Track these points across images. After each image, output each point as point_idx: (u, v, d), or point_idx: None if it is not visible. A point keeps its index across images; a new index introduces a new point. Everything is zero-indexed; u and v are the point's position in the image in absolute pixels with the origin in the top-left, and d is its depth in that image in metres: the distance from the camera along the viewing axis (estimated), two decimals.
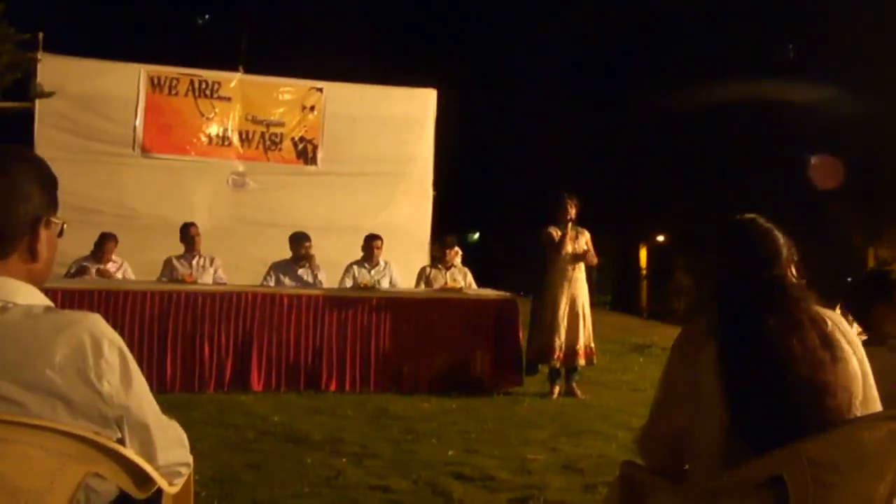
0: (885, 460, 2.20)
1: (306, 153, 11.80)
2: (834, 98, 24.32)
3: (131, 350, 1.92)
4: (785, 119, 26.85)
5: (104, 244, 9.39)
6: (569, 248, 9.02)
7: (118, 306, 8.22)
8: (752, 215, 2.64)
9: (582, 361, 9.01)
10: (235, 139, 11.55)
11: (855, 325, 3.42)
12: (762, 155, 28.94)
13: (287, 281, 9.47)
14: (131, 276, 9.50)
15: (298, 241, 9.62)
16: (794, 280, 2.48)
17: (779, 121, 27.24)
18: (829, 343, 2.31)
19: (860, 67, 24.02)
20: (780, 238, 2.55)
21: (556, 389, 8.95)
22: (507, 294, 9.47)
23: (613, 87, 32.99)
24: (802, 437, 2.12)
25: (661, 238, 36.38)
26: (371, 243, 9.80)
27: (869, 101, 23.59)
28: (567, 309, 8.96)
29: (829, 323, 2.37)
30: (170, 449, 1.99)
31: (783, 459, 2.08)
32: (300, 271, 9.58)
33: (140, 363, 1.94)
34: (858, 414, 2.29)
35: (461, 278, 10.03)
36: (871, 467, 2.18)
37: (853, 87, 23.87)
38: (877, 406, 2.37)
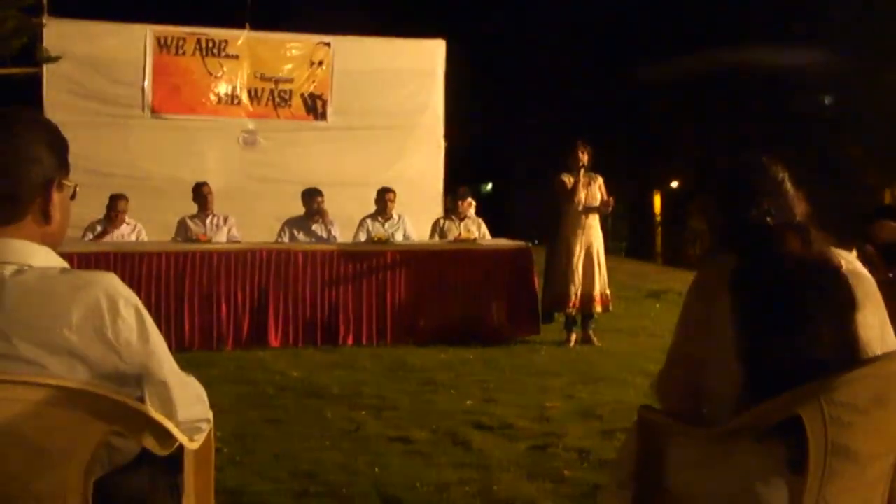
0: None
1: (316, 109, 11.76)
2: (849, 43, 24.10)
3: (149, 311, 1.92)
4: (799, 63, 26.60)
5: (115, 204, 9.38)
6: (582, 194, 8.98)
7: (134, 268, 8.25)
8: (756, 154, 2.60)
9: (598, 308, 9.01)
10: (245, 97, 11.51)
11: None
12: (777, 98, 28.72)
13: (301, 237, 9.49)
14: (145, 237, 9.52)
15: (311, 196, 9.62)
16: (808, 223, 2.46)
17: (793, 65, 26.98)
18: (847, 291, 2.29)
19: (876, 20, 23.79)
20: (788, 179, 2.52)
21: (573, 337, 8.97)
22: (522, 243, 9.46)
23: (627, 34, 32.69)
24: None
25: (675, 184, 36.23)
26: (384, 196, 9.79)
27: (884, 42, 23.38)
28: (582, 256, 8.94)
29: (846, 265, 2.35)
30: (189, 405, 2.00)
31: (801, 399, 2.08)
32: (314, 227, 9.58)
33: (158, 323, 1.95)
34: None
35: (475, 229, 10.01)
36: (891, 406, 2.17)
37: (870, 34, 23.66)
38: (893, 345, 2.35)
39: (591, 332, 9.05)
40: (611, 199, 9.07)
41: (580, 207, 8.97)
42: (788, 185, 2.52)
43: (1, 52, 10.59)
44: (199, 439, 2.10)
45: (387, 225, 9.72)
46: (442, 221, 10.20)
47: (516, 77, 33.56)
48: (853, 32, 24.32)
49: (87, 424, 1.72)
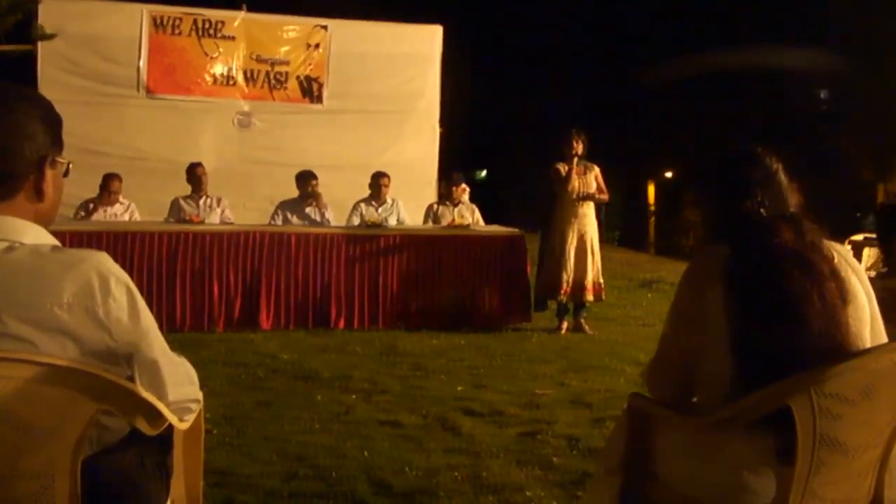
0: (893, 391, 2.20)
1: (312, 92, 11.70)
2: (844, 35, 24.10)
3: (140, 291, 1.92)
4: (796, 57, 26.60)
5: (109, 184, 9.36)
6: (576, 183, 8.99)
7: (126, 248, 8.23)
8: (750, 145, 2.59)
9: (590, 297, 9.02)
10: (240, 78, 11.45)
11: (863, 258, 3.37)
12: (772, 91, 28.72)
13: (294, 220, 9.48)
14: (138, 217, 9.50)
15: (305, 179, 9.60)
16: (801, 214, 2.45)
17: (790, 59, 26.99)
18: (841, 284, 2.28)
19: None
20: (781, 170, 2.52)
21: (565, 325, 8.99)
22: (515, 230, 9.47)
23: (625, 24, 32.64)
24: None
25: (668, 174, 36.28)
26: (378, 181, 9.77)
27: (881, 38, 23.39)
28: (575, 244, 8.94)
29: (838, 258, 2.35)
30: (180, 385, 2.00)
31: (791, 390, 2.09)
32: (307, 210, 9.57)
33: (149, 303, 1.95)
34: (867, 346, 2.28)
35: (469, 215, 10.01)
36: (879, 398, 2.18)
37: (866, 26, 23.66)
38: (883, 338, 2.36)
39: (582, 320, 9.07)
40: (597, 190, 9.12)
41: (574, 196, 8.97)
42: (782, 177, 2.51)
43: None
44: (189, 420, 2.10)
45: (380, 209, 9.70)
46: (436, 207, 10.19)
47: (513, 65, 33.51)
48: (849, 29, 24.32)
49: (77, 403, 1.72)
